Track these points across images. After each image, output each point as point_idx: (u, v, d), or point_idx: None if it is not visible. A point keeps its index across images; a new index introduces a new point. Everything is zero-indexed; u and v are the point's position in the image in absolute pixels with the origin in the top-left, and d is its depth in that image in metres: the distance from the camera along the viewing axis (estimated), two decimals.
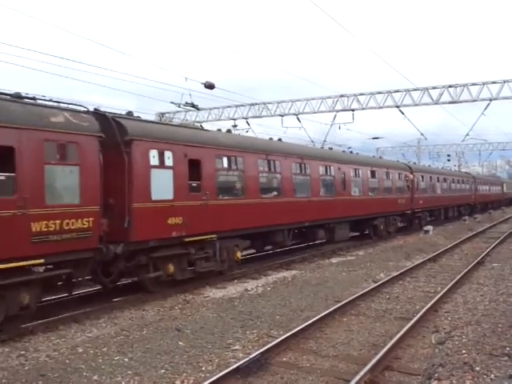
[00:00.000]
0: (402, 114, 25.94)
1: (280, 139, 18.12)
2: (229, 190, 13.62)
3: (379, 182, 23.26)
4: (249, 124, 29.21)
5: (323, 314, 9.01)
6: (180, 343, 7.73)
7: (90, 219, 9.23)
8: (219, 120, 30.14)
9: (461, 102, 24.33)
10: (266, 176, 15.31)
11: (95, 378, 6.36)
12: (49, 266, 9.01)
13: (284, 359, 7.04)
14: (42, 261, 8.51)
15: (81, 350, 7.45)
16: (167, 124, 13.00)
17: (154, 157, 10.87)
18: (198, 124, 28.33)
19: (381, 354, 6.73)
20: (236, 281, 13.22)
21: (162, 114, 31.39)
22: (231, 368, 6.34)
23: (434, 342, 7.71)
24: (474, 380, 6.02)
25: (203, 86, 20.53)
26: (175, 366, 6.74)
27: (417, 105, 25.29)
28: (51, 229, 8.53)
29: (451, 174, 39.08)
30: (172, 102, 20.84)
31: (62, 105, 9.70)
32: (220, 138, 13.72)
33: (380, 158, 28.90)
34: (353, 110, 26.83)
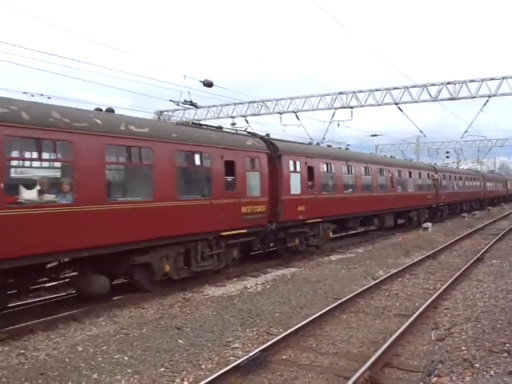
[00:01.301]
0: (401, 111, 25.91)
1: (347, 148, 25.18)
2: (327, 187, 18.60)
3: (414, 181, 28.35)
4: (247, 122, 29.12)
5: (323, 311, 9.02)
6: (180, 341, 7.73)
7: (264, 206, 14.32)
8: (218, 118, 30.09)
9: (459, 98, 24.28)
10: (346, 177, 20.19)
11: (95, 376, 6.36)
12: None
13: (284, 357, 7.04)
14: (245, 231, 13.50)
15: (80, 349, 7.45)
16: (294, 142, 18.97)
17: (291, 165, 16.06)
18: (198, 122, 28.27)
19: (380, 351, 6.73)
20: (235, 279, 13.23)
21: (161, 112, 31.33)
22: (231, 366, 6.34)
23: (433, 338, 7.71)
24: (473, 376, 6.04)
25: (202, 84, 20.47)
26: (175, 365, 6.74)
27: (415, 102, 25.23)
28: (249, 211, 13.58)
29: (465, 173, 44.00)
30: (171, 100, 20.79)
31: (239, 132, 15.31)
32: (323, 150, 19.85)
33: (411, 160, 34.93)
34: (351, 108, 26.77)
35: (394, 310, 9.63)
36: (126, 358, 6.99)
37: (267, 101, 28.87)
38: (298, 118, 28.50)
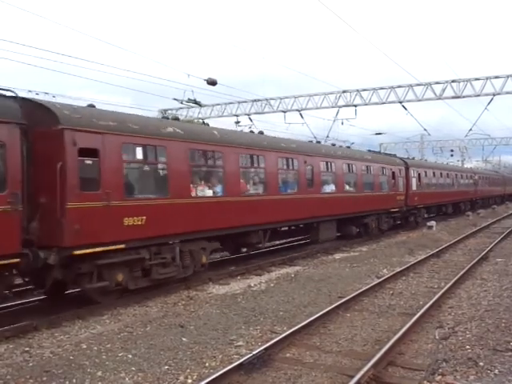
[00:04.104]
0: (405, 109, 25.86)
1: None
2: (430, 186, 29.90)
3: (464, 181, 39.53)
4: (251, 120, 29.17)
5: (326, 309, 9.02)
6: (183, 339, 7.74)
7: (403, 196, 24.68)
8: (222, 116, 30.11)
9: (464, 97, 24.21)
10: (432, 178, 30.66)
11: (99, 374, 6.38)
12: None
13: (287, 355, 7.04)
14: (397, 209, 24.09)
15: (84, 347, 7.47)
16: (409, 158, 30.56)
17: (412, 173, 26.38)
18: (201, 121, 28.26)
19: (384, 350, 6.72)
20: (239, 277, 13.23)
21: (165, 111, 31.34)
22: (235, 364, 6.35)
23: (437, 337, 7.70)
24: (477, 375, 6.02)
25: (206, 82, 20.47)
26: (179, 362, 6.75)
27: (420, 100, 25.19)
28: (398, 199, 24.02)
29: (492, 174, 56.41)
30: (175, 99, 20.80)
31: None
32: (422, 163, 33.15)
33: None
34: (355, 106, 26.77)
35: (398, 309, 9.62)
36: (130, 356, 7.00)
37: (271, 99, 28.87)
38: (301, 117, 28.49)
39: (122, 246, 9.64)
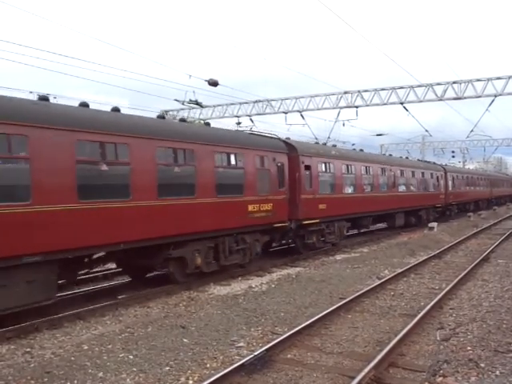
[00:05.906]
0: (406, 110, 25.82)
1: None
2: (460, 187, 35.95)
3: (483, 183, 46.65)
4: (252, 121, 29.15)
5: (328, 310, 9.02)
6: (185, 340, 7.75)
7: (444, 195, 31.88)
8: (223, 117, 30.09)
9: (465, 98, 24.12)
10: (464, 180, 38.05)
11: (100, 375, 6.38)
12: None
13: (288, 356, 7.04)
14: (439, 205, 31.46)
15: (86, 347, 7.48)
16: (445, 165, 37.24)
17: (449, 176, 33.49)
18: (202, 121, 28.27)
19: (385, 351, 6.72)
20: (240, 278, 13.24)
21: (166, 112, 31.33)
22: (236, 365, 6.35)
23: (438, 338, 7.69)
24: (479, 376, 6.02)
25: (207, 83, 20.50)
26: (180, 363, 6.76)
27: (421, 101, 25.11)
28: (440, 197, 31.35)
29: (503, 177, 68.08)
30: (176, 100, 20.85)
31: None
32: (457, 168, 42.78)
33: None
34: (357, 107, 26.70)
35: (399, 310, 9.62)
36: (131, 357, 7.01)
37: (272, 100, 28.83)
38: (303, 118, 28.46)
39: (318, 220, 16.91)
